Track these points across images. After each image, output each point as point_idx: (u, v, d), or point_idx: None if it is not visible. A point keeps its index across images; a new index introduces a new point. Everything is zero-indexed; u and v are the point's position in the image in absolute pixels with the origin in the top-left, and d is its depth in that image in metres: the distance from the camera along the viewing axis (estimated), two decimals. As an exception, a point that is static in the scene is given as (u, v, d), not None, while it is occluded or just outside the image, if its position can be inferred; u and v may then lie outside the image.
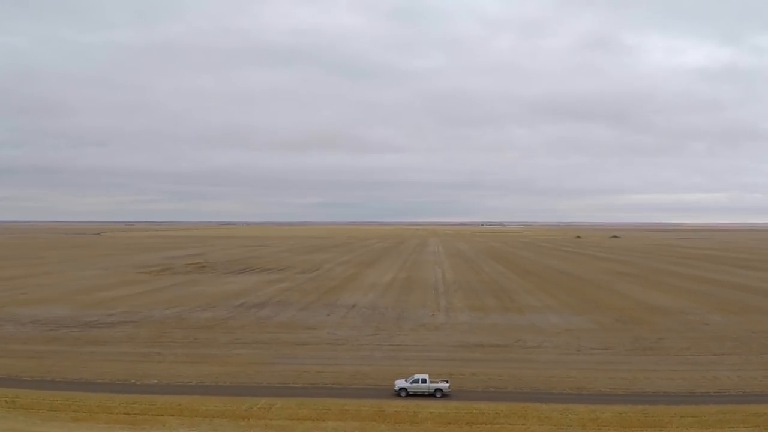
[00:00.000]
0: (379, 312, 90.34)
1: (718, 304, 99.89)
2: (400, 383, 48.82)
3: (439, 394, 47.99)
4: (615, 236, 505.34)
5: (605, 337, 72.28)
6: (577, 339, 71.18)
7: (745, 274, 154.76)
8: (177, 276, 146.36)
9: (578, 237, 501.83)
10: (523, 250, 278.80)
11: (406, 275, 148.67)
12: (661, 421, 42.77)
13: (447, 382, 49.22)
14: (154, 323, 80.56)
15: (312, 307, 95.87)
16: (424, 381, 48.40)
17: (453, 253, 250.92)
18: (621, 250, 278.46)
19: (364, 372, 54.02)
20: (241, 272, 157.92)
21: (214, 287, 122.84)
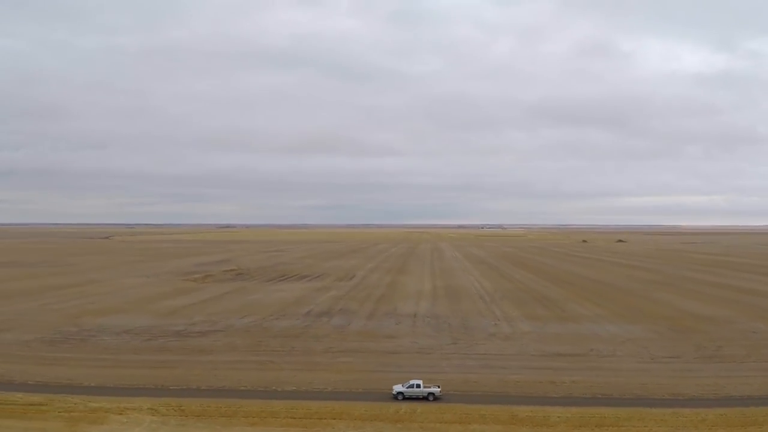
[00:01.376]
0: (443, 321, 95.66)
1: (757, 313, 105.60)
2: (398, 388, 54.37)
3: (431, 398, 53.31)
4: (620, 240, 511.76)
5: (669, 346, 77.74)
6: (644, 348, 76.63)
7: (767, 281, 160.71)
8: (223, 284, 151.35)
9: (584, 241, 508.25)
10: (538, 255, 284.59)
11: (443, 283, 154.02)
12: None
13: (438, 387, 54.70)
14: (241, 332, 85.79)
15: (376, 316, 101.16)
16: (418, 386, 53.98)
17: (473, 259, 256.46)
18: (635, 255, 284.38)
19: (473, 380, 59.40)
20: (281, 280, 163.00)
21: (268, 295, 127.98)
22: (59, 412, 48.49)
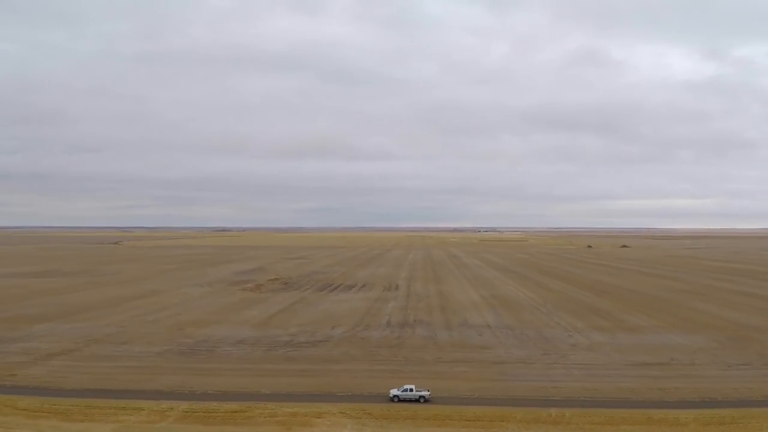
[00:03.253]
0: (520, 332, 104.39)
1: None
2: (394, 392, 63.00)
3: (422, 400, 61.69)
4: (624, 246, 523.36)
5: (736, 355, 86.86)
6: (716, 356, 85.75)
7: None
8: (280, 293, 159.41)
9: (589, 246, 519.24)
10: (555, 262, 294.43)
11: (488, 293, 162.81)
12: None
13: (428, 391, 63.58)
14: (345, 342, 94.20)
15: (453, 327, 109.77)
16: (411, 390, 62.98)
17: (496, 266, 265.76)
18: (649, 263, 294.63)
19: (594, 387, 68.30)
20: (332, 290, 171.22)
21: (335, 306, 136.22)
22: (265, 417, 56.85)
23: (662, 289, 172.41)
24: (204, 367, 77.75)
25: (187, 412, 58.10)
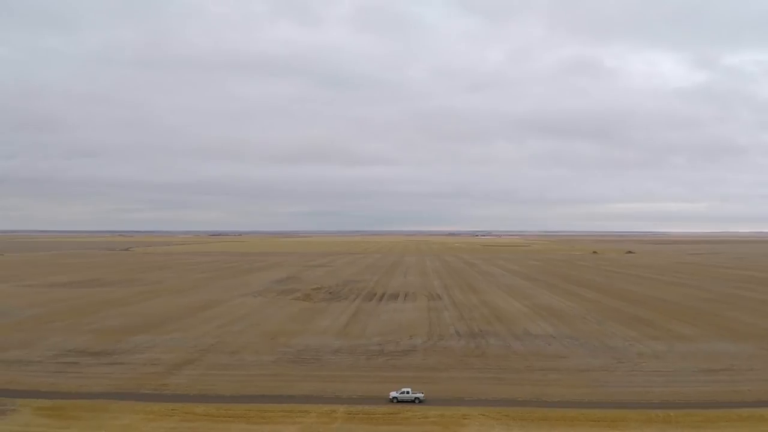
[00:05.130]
0: (583, 342, 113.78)
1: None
2: (393, 394, 72.86)
3: (417, 402, 71.52)
4: (630, 252, 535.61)
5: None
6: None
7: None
8: (333, 303, 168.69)
9: (595, 252, 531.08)
10: (574, 270, 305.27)
11: (529, 303, 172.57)
12: None
13: (422, 393, 73.19)
14: (431, 351, 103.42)
15: (518, 336, 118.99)
16: (408, 392, 72.71)
17: (518, 274, 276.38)
18: (664, 270, 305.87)
19: (679, 391, 78.25)
20: (378, 300, 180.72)
21: (395, 316, 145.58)
22: (418, 418, 66.48)
23: (690, 299, 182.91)
24: (325, 375, 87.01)
25: (349, 414, 67.62)
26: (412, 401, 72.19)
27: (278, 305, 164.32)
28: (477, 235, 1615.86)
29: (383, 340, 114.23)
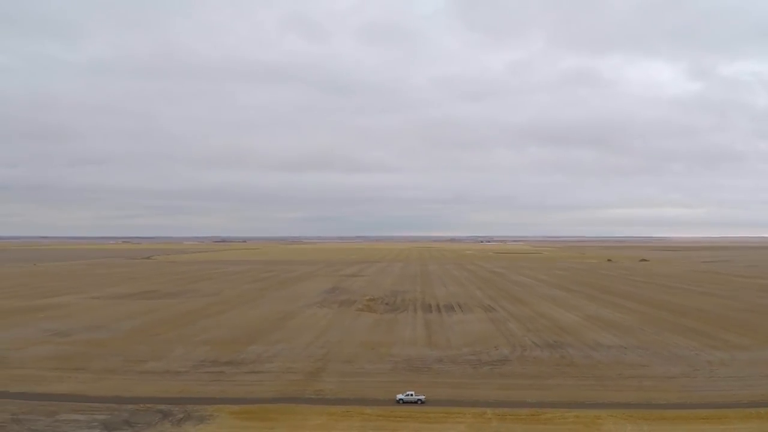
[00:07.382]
0: (653, 351, 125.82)
1: None
2: (400, 396, 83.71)
3: (420, 403, 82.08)
4: (644, 259, 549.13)
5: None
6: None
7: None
8: (400, 314, 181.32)
9: (609, 260, 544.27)
10: (603, 280, 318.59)
11: (581, 314, 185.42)
12: None
13: (423, 396, 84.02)
14: (519, 361, 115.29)
15: (593, 347, 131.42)
16: (411, 395, 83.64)
17: (551, 284, 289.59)
18: (689, 280, 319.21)
19: (760, 393, 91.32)
20: (436, 311, 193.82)
21: (465, 327, 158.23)
22: (558, 419, 79.48)
23: (727, 309, 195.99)
24: (449, 381, 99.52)
25: (499, 415, 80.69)
26: (414, 402, 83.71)
27: (350, 316, 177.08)
28: (482, 241, 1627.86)
29: (473, 350, 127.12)
